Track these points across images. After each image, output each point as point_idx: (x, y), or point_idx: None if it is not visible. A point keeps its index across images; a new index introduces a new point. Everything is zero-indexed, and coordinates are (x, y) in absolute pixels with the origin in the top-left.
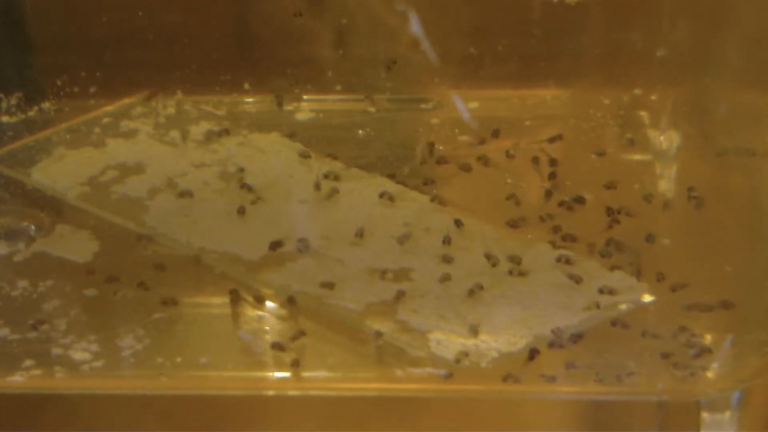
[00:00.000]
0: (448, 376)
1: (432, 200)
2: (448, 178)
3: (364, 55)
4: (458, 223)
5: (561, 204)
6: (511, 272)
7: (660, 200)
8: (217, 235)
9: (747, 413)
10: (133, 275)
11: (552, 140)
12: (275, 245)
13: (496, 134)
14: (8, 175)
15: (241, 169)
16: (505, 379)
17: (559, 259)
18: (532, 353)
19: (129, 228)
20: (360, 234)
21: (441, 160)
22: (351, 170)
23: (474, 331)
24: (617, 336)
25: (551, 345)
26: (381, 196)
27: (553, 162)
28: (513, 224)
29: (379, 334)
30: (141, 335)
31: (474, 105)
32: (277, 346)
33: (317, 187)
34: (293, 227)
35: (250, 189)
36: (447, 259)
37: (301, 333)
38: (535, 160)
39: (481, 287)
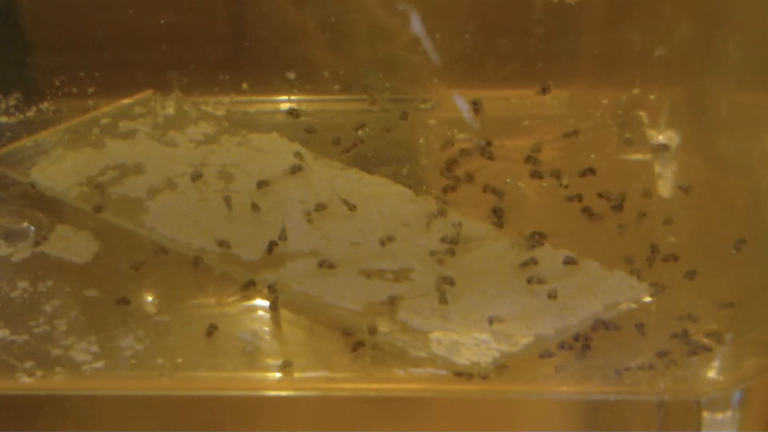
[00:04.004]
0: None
1: (432, 200)
2: (448, 178)
3: (364, 55)
4: (458, 222)
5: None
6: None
7: (659, 200)
8: (217, 236)
9: (748, 413)
10: (133, 275)
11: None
12: (272, 246)
13: (494, 135)
14: (7, 176)
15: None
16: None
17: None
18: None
19: (128, 228)
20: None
21: (440, 160)
22: (350, 170)
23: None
24: (618, 336)
25: (560, 347)
26: (381, 196)
27: (551, 162)
28: (512, 223)
29: (373, 329)
30: (141, 336)
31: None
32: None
33: (317, 186)
34: (293, 228)
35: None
36: (447, 259)
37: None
38: (534, 161)
39: (483, 288)
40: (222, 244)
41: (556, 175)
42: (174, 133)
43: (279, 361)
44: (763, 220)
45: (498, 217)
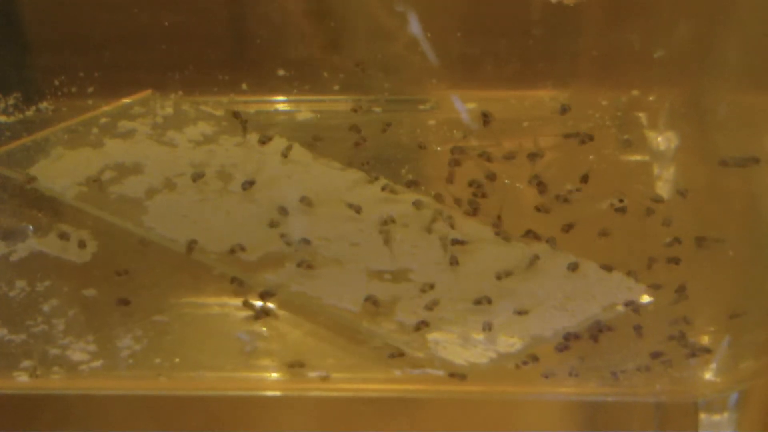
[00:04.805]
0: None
1: (431, 201)
2: (447, 179)
3: (363, 56)
4: (457, 223)
5: (559, 203)
6: (507, 275)
7: (658, 202)
8: (216, 236)
9: (745, 414)
10: (131, 275)
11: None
12: (191, 245)
13: (494, 135)
14: (6, 176)
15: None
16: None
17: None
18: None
19: (127, 228)
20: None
21: (440, 161)
22: (350, 170)
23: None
24: (615, 337)
25: (558, 349)
26: (379, 197)
27: (550, 163)
28: (511, 224)
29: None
30: (139, 336)
31: (472, 105)
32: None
33: (317, 186)
34: (292, 228)
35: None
36: (445, 261)
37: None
38: (533, 159)
39: (481, 289)
40: (234, 250)
41: (555, 193)
42: (173, 133)
43: (276, 362)
44: (761, 222)
45: (495, 217)
